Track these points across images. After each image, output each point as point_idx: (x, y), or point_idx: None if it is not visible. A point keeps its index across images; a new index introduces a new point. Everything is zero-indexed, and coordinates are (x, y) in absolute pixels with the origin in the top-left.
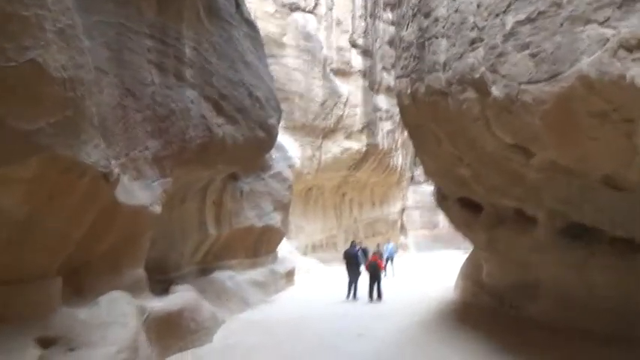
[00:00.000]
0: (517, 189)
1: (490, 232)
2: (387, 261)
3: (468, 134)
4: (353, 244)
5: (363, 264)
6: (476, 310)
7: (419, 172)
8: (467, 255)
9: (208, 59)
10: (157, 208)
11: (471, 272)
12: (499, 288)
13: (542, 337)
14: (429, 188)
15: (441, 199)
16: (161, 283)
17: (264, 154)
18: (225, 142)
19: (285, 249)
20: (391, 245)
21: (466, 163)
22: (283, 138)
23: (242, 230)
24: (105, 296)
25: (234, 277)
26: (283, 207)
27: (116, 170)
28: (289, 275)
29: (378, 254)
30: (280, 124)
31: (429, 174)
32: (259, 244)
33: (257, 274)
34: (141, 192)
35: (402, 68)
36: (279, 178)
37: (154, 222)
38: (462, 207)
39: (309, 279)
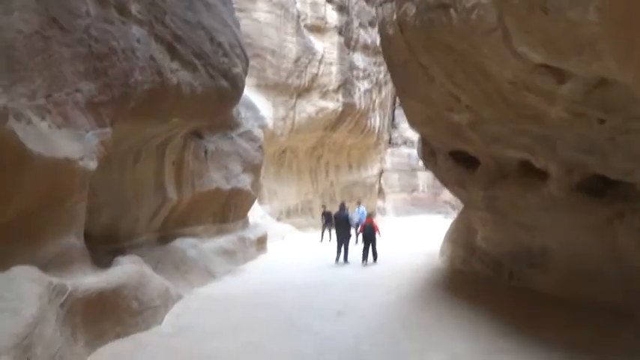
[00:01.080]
0: (525, 138)
1: (489, 190)
2: (357, 227)
3: (472, 60)
4: (342, 206)
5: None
6: (469, 279)
7: (397, 134)
8: (448, 219)
9: None
10: (91, 164)
11: (460, 237)
12: (496, 255)
13: (554, 313)
14: (407, 150)
15: (428, 154)
16: (113, 254)
17: (229, 107)
18: (181, 90)
19: (258, 214)
20: (362, 209)
21: (464, 105)
22: (255, 97)
23: (207, 194)
24: (1, 275)
25: (197, 245)
26: (253, 169)
27: (7, 106)
28: (261, 242)
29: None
30: (252, 83)
31: (415, 123)
32: (227, 209)
33: (224, 241)
34: (68, 143)
35: None
36: (249, 137)
37: (86, 180)
38: (455, 162)
39: (284, 246)
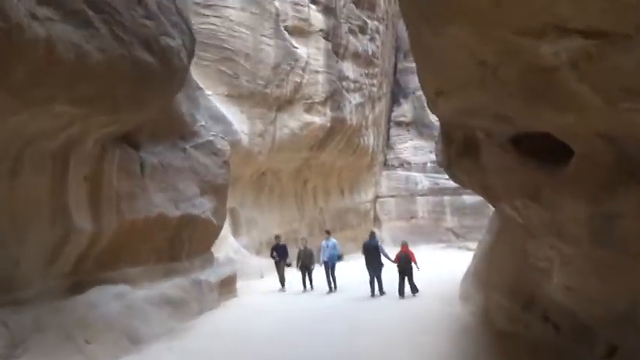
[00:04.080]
0: None
1: (601, 204)
2: (327, 266)
3: None
4: (373, 235)
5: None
6: (529, 351)
7: (393, 155)
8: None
9: None
10: None
11: (501, 279)
12: (585, 314)
13: None
14: (404, 173)
15: (461, 150)
16: None
17: (158, 95)
18: (57, 51)
19: (231, 249)
20: (333, 243)
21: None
22: (226, 108)
23: (144, 222)
24: None
25: (125, 295)
26: (216, 190)
27: None
28: (227, 285)
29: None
30: (222, 91)
31: (447, 88)
32: (178, 243)
33: (170, 287)
34: None
35: None
36: (210, 149)
37: None
38: (520, 155)
39: (261, 287)
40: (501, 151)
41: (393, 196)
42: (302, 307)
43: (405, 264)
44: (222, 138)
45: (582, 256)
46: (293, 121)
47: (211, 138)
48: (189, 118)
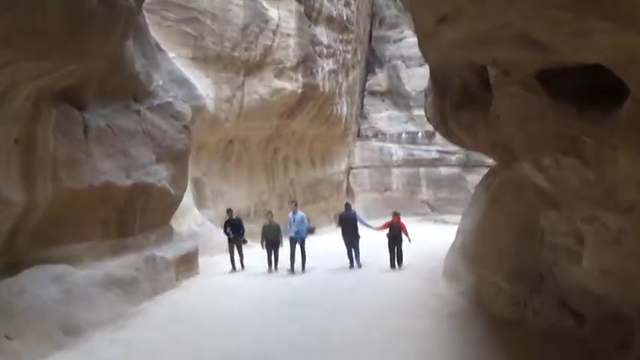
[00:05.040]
0: None
1: None
2: (293, 243)
3: None
4: (348, 207)
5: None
6: (543, 342)
7: (367, 125)
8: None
9: None
10: None
11: (496, 256)
12: (626, 305)
13: None
14: (379, 144)
15: (460, 98)
16: None
17: (100, 40)
18: None
19: (195, 222)
20: (301, 216)
21: None
22: (190, 72)
23: (88, 192)
24: None
25: (65, 276)
26: (175, 157)
27: None
28: (187, 261)
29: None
30: (186, 54)
31: (449, 14)
32: (129, 216)
33: (119, 266)
34: None
35: None
36: (168, 112)
37: None
38: (552, 97)
39: (225, 263)
40: (524, 93)
41: (366, 167)
42: (270, 287)
43: (396, 234)
44: (183, 101)
45: (635, 228)
46: (262, 86)
47: (170, 100)
48: (144, 77)
